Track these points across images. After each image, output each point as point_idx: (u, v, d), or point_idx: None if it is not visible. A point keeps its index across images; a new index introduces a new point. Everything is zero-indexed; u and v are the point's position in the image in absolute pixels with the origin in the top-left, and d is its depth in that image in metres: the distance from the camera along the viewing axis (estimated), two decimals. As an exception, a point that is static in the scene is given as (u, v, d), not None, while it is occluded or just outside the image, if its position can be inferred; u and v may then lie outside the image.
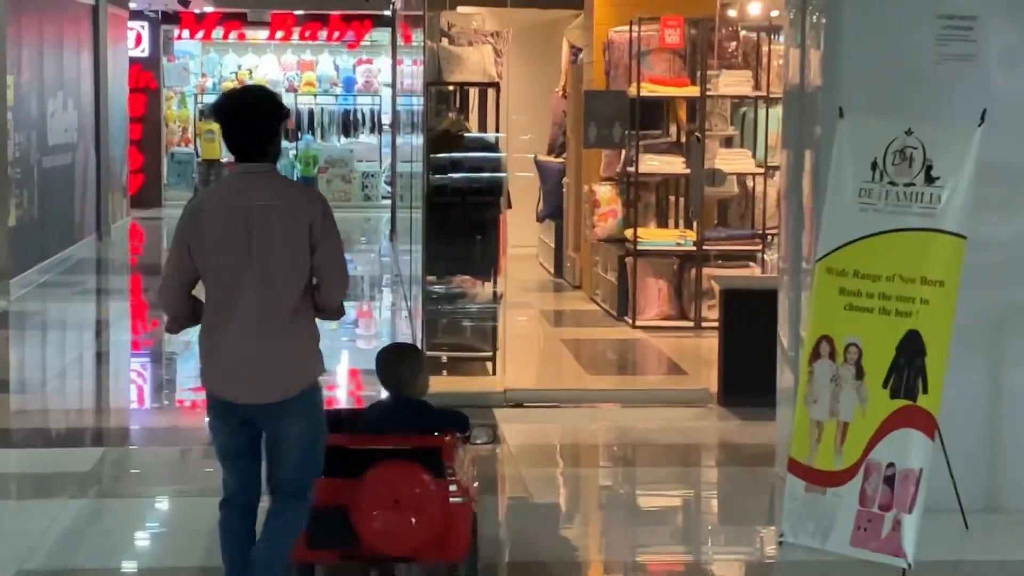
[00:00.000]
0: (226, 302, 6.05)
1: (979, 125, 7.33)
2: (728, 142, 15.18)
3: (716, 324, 13.00)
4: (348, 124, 30.11)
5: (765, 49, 15.06)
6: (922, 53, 8.14)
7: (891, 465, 7.30)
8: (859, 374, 7.45)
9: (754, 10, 14.97)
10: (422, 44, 12.17)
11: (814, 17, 8.60)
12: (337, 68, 30.34)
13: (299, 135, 29.42)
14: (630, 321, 14.70)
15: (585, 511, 8.92)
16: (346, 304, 6.39)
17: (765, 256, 14.73)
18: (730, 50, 14.95)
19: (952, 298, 7.31)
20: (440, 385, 11.29)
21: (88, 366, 13.98)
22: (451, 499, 6.52)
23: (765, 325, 10.27)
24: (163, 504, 8.88)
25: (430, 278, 12.00)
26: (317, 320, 6.21)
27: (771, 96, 14.93)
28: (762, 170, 15.02)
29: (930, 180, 7.39)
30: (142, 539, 8.27)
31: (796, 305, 8.82)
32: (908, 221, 7.43)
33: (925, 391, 7.28)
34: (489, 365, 11.92)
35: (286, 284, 6.00)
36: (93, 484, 9.08)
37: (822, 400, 7.57)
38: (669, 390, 11.51)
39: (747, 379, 10.85)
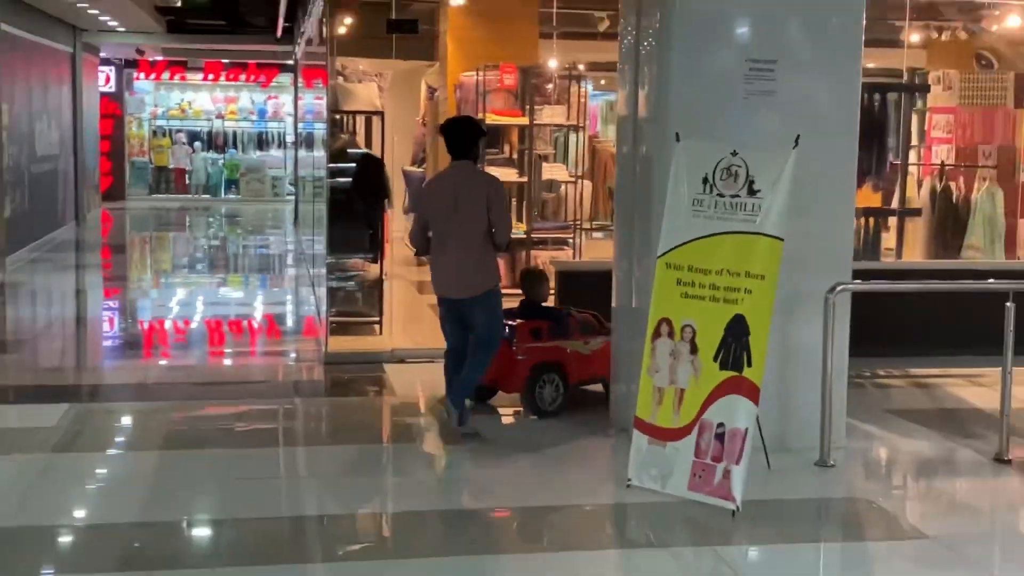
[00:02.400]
0: (440, 239, 7.33)
1: (794, 147, 6.16)
2: (546, 158, 13.92)
3: None
4: (261, 141, 28.77)
5: (574, 90, 13.88)
6: (734, 90, 6.94)
7: (721, 424, 6.14)
8: (693, 350, 6.28)
9: (566, 61, 13.91)
10: (324, 83, 10.64)
11: (645, 68, 7.31)
12: (253, 101, 28.81)
13: (226, 149, 28.14)
14: (477, 289, 13.33)
15: (452, 454, 7.40)
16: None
17: (575, 241, 13.61)
18: (549, 91, 13.69)
19: (771, 289, 6.15)
20: (342, 345, 9.92)
21: (67, 327, 12.10)
22: (514, 356, 7.76)
23: (590, 297, 9.22)
24: (113, 459, 7.19)
25: (330, 260, 10.54)
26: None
27: (578, 125, 13.88)
28: (573, 179, 13.86)
29: (752, 192, 6.24)
30: (86, 495, 6.46)
31: (625, 284, 7.65)
32: (734, 226, 6.26)
33: (749, 364, 6.15)
34: (377, 327, 10.52)
35: (472, 229, 7.19)
36: (54, 439, 7.33)
37: (663, 371, 6.36)
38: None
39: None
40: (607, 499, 6.33)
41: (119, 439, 7.60)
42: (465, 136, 7.24)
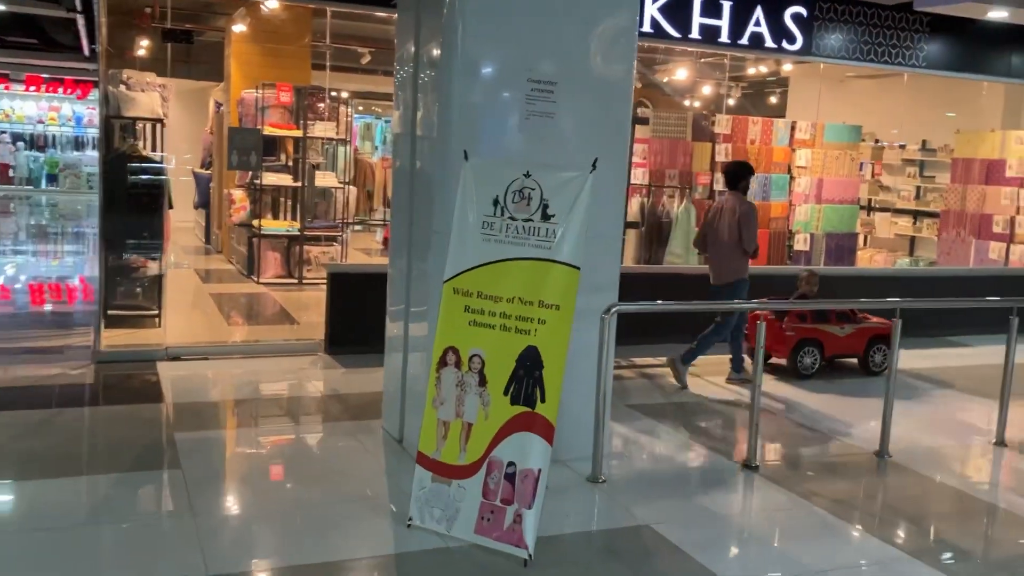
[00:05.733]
0: (711, 241, 6.96)
1: (591, 172, 4.04)
2: (318, 166, 11.40)
3: (314, 281, 10.14)
4: (79, 143, 24.50)
5: (343, 109, 11.46)
6: (515, 110, 4.79)
7: (512, 464, 3.97)
8: (482, 382, 4.06)
9: (335, 87, 11.46)
10: (102, 90, 7.75)
11: (426, 88, 5.08)
12: (73, 110, 24.49)
13: (46, 149, 23.82)
14: (256, 279, 10.69)
15: (226, 478, 4.98)
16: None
17: (343, 236, 11.23)
18: (321, 108, 11.16)
19: (567, 320, 4.00)
20: (116, 340, 7.17)
21: None
22: (783, 332, 7.24)
23: (360, 296, 7.30)
24: None
25: (111, 256, 7.71)
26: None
27: (345, 139, 11.59)
28: (342, 185, 11.44)
29: (547, 217, 4.04)
30: None
31: (396, 284, 5.46)
32: (527, 251, 4.06)
33: (543, 400, 3.97)
34: (157, 320, 7.78)
35: (731, 236, 6.80)
36: None
37: (449, 403, 4.11)
38: (289, 342, 7.62)
39: (347, 333, 7.40)
40: (384, 545, 4.08)
41: None
42: (736, 174, 6.98)
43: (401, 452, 5.12)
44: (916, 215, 13.48)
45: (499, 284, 4.06)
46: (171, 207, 8.31)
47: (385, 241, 14.65)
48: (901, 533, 4.47)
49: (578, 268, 3.97)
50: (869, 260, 13.06)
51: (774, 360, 7.54)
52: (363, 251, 13.90)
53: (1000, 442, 5.89)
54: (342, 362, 7.11)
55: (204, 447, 5.10)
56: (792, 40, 8.46)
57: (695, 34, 8.10)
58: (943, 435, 6.15)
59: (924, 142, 13.41)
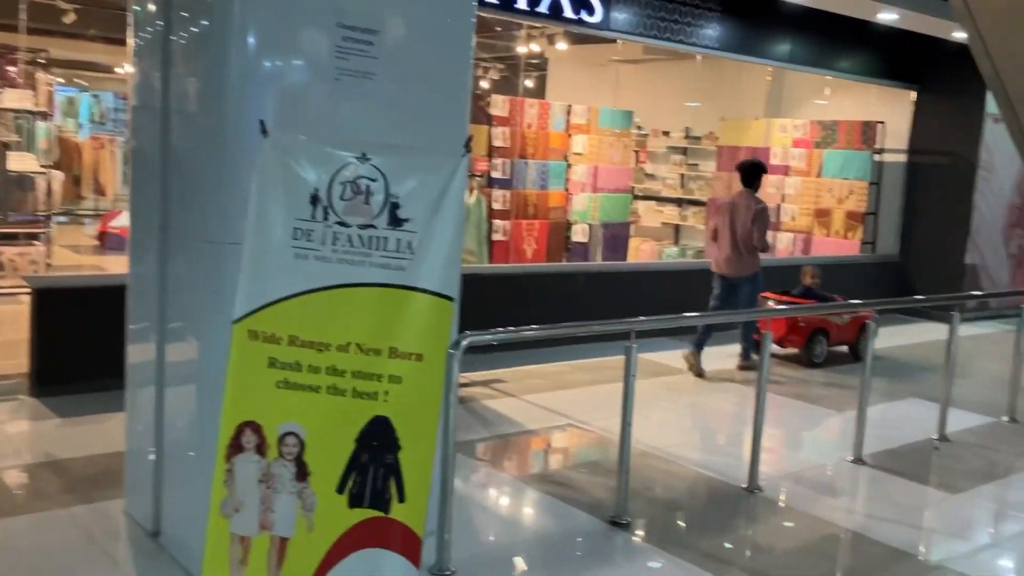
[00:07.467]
0: (725, 237, 7.10)
1: (464, 154, 2.76)
2: (9, 146, 9.06)
3: (10, 291, 8.03)
4: None
5: (40, 76, 9.23)
6: (321, 71, 3.40)
7: (357, 598, 2.59)
8: (302, 474, 2.65)
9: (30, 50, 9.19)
10: None
11: (183, 35, 3.52)
12: None
13: None
14: (-73, 290, 8.25)
15: None
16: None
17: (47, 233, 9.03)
18: (12, 73, 8.87)
19: (436, 376, 2.69)
20: None
21: None
22: (797, 323, 7.51)
23: (79, 315, 5.62)
24: None
25: None
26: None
27: (46, 112, 9.34)
28: (43, 170, 9.19)
29: (397, 222, 2.70)
30: None
31: (140, 294, 3.86)
32: (368, 274, 2.68)
33: (401, 499, 2.65)
34: None
35: (742, 233, 7.00)
36: None
37: (249, 509, 2.66)
38: (-22, 383, 5.61)
39: (61, 366, 5.59)
40: None
41: None
42: (751, 173, 7.22)
43: (158, 554, 3.56)
44: (681, 203, 13.35)
45: (325, 325, 2.67)
46: None
47: (100, 236, 12.26)
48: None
49: (451, 299, 2.68)
50: (636, 249, 12.74)
51: (781, 351, 7.76)
52: (72, 248, 11.51)
53: (857, 459, 5.34)
54: (56, 408, 5.26)
55: None
56: (591, 12, 7.59)
57: (490, -2, 6.98)
58: (806, 454, 5.52)
59: (687, 129, 13.28)
